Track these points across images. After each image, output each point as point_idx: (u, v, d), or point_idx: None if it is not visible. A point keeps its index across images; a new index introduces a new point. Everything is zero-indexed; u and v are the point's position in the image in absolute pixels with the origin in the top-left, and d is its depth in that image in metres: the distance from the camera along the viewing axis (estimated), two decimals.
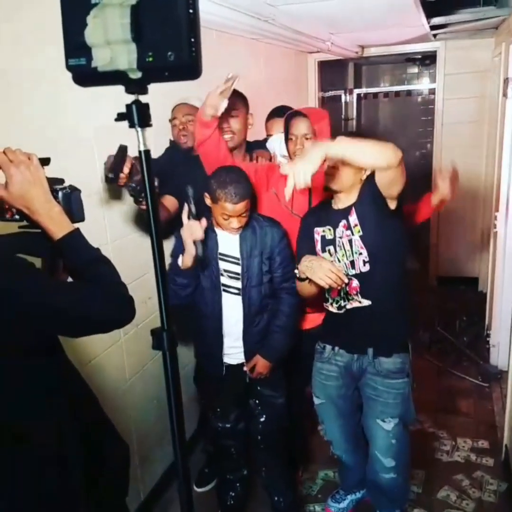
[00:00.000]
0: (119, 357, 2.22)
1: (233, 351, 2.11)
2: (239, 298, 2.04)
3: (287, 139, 2.13)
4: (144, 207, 1.88)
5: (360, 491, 2.44)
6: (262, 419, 2.19)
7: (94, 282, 1.14)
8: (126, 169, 1.82)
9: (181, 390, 0.86)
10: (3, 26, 1.53)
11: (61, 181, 1.22)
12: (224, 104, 1.90)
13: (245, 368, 2.11)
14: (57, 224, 1.15)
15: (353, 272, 1.94)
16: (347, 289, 1.96)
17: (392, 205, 1.83)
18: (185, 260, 1.89)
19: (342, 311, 2.00)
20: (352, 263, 1.93)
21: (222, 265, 2.02)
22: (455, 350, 3.86)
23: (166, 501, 2.52)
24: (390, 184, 1.76)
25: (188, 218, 1.84)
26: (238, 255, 2.01)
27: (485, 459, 2.73)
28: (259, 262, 2.02)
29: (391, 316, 1.97)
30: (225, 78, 1.89)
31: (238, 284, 2.02)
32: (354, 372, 2.07)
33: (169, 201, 2.25)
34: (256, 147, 2.45)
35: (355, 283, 1.95)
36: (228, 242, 2.01)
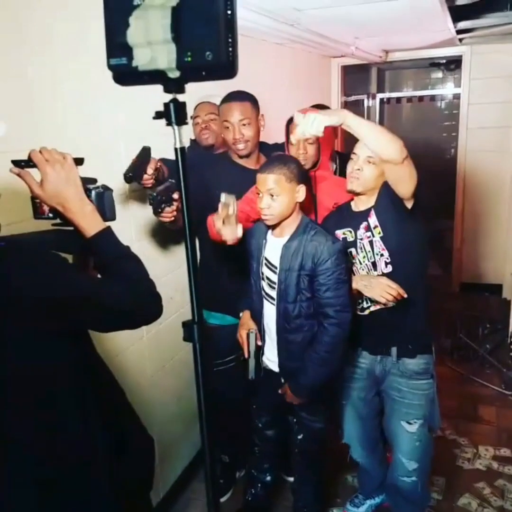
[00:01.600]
0: (142, 355, 2.26)
1: (273, 358, 2.03)
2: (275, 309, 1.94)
3: (288, 143, 2.12)
4: (164, 218, 1.87)
5: (379, 496, 2.43)
6: (299, 437, 2.13)
7: (124, 279, 1.17)
8: (150, 170, 1.83)
9: (209, 382, 0.88)
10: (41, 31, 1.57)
11: (94, 180, 1.25)
12: (239, 230, 1.75)
13: (279, 391, 2.02)
14: (89, 222, 1.17)
15: (375, 274, 1.95)
16: None
17: (408, 204, 1.83)
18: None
19: (365, 313, 2.00)
20: (374, 264, 1.94)
21: (265, 271, 1.95)
22: (477, 357, 3.81)
23: (186, 500, 2.54)
24: (397, 182, 1.79)
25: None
26: (277, 263, 1.90)
27: (507, 468, 2.69)
28: (297, 277, 1.84)
29: (413, 316, 1.97)
30: (220, 205, 1.71)
31: (274, 294, 1.92)
32: (377, 375, 2.07)
33: None
34: (274, 150, 2.42)
35: None
36: (274, 248, 1.92)
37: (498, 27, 3.63)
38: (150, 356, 2.30)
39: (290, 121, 2.11)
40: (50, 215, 1.20)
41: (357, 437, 2.23)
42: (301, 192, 1.84)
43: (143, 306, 1.16)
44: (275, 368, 2.04)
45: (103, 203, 1.22)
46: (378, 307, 1.96)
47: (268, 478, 2.32)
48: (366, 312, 2.00)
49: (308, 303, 1.87)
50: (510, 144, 4.65)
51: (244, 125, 2.13)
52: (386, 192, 1.85)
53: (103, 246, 1.19)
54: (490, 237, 4.93)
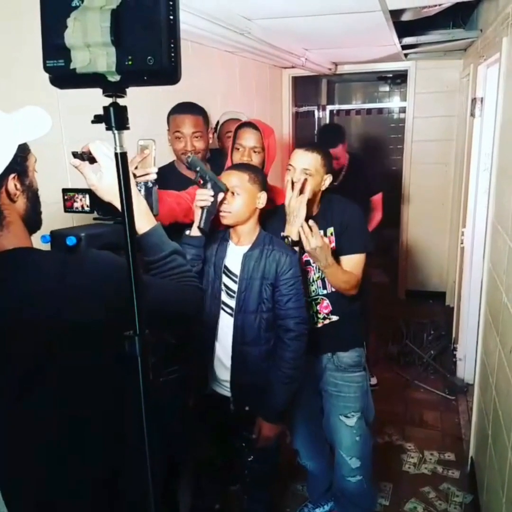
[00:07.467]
0: None
1: (223, 376, 1.90)
2: (232, 321, 1.83)
3: (233, 149, 2.13)
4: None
5: (328, 503, 2.44)
6: (250, 459, 2.00)
7: (176, 276, 1.16)
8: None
9: (151, 397, 0.85)
10: None
11: (134, 175, 1.21)
12: (154, 170, 1.54)
13: (254, 436, 1.87)
14: (143, 218, 1.15)
15: (324, 292, 1.98)
16: (318, 308, 1.99)
17: None
18: (193, 229, 1.79)
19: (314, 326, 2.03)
20: (323, 281, 1.96)
21: (225, 279, 1.85)
22: (422, 363, 3.91)
23: None
24: None
25: (199, 185, 1.76)
26: (238, 272, 1.82)
27: (451, 472, 2.77)
28: (259, 286, 1.78)
29: (353, 323, 2.06)
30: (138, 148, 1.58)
31: (233, 303, 1.83)
32: (314, 371, 2.11)
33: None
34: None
35: (326, 302, 1.99)
36: (234, 256, 1.85)
37: (441, 44, 3.77)
38: None
39: (239, 126, 2.12)
40: (87, 209, 1.17)
41: (304, 440, 2.25)
42: (262, 198, 1.82)
43: (193, 303, 1.18)
44: (224, 392, 1.92)
45: (152, 198, 1.18)
46: (325, 322, 2.02)
47: (217, 506, 2.22)
48: (315, 326, 2.02)
49: (269, 314, 1.81)
50: (452, 156, 4.83)
51: (196, 137, 2.18)
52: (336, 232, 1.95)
53: (155, 242, 1.17)
54: (433, 246, 5.09)
